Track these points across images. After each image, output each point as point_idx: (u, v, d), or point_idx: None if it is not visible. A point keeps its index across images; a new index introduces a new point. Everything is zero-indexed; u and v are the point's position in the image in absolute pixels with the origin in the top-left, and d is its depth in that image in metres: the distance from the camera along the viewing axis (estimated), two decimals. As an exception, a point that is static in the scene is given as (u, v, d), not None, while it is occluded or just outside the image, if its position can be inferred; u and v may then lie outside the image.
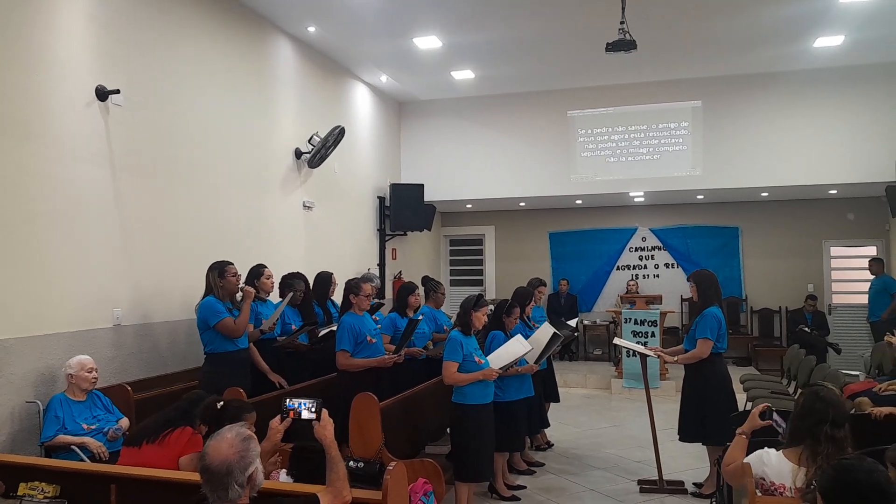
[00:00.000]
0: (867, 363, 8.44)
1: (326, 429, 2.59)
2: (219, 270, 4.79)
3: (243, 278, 5.47)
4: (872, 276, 9.89)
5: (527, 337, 5.33)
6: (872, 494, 1.96)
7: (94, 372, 4.27)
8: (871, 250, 10.81)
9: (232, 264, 4.89)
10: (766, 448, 2.80)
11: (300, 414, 2.58)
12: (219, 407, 3.14)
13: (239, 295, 4.93)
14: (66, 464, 3.39)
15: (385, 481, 2.79)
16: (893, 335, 6.88)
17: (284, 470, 3.05)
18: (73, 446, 3.98)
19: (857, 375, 7.52)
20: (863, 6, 7.19)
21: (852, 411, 5.35)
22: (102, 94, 5.00)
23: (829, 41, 8.28)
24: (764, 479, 2.73)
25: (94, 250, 4.94)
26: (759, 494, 2.69)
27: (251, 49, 7.04)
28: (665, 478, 5.32)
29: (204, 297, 4.78)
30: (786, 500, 2.65)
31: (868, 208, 10.74)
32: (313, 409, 2.58)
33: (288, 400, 2.61)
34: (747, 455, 2.87)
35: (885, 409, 4.38)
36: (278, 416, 2.58)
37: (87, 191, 4.90)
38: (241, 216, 6.70)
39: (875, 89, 9.18)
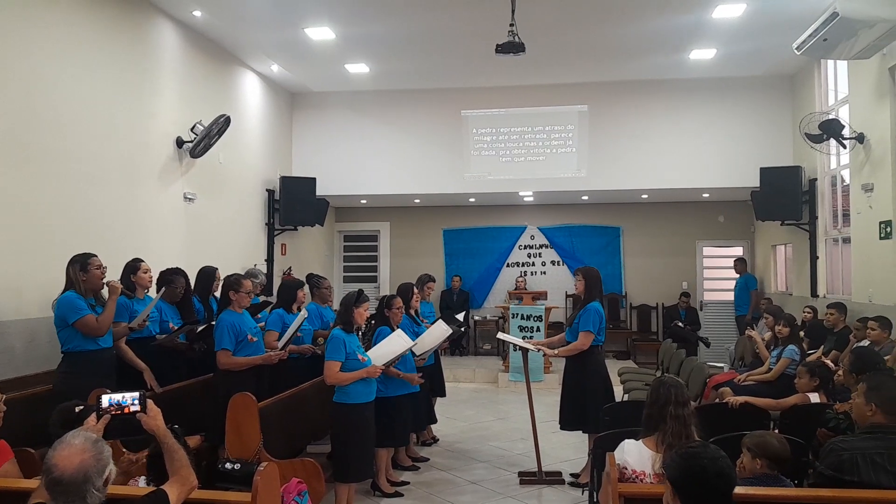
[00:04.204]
0: (731, 355, 9.08)
1: (156, 419, 2.45)
2: (80, 263, 4.44)
3: (116, 273, 5.15)
4: (737, 275, 10.67)
5: (415, 334, 5.35)
6: (717, 480, 2.10)
7: (-65, 375, 3.89)
8: (738, 251, 11.66)
9: (95, 256, 4.53)
10: (626, 439, 2.93)
11: (123, 409, 2.45)
12: (77, 411, 2.93)
13: (105, 290, 4.61)
14: None
15: (255, 482, 2.72)
16: (754, 329, 7.45)
17: (143, 477, 2.89)
18: None
19: (722, 367, 8.09)
20: (731, 23, 7.71)
21: (715, 400, 5.76)
22: (-49, 70, 4.58)
23: (703, 54, 8.84)
24: (626, 469, 2.86)
25: (-61, 241, 4.51)
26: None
27: (129, 30, 6.63)
28: (544, 469, 5.49)
29: (63, 292, 4.44)
30: (644, 485, 2.79)
31: (736, 212, 11.55)
32: (136, 401, 2.45)
33: (105, 397, 2.47)
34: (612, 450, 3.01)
35: (741, 399, 4.74)
36: (93, 415, 2.43)
37: (-69, 176, 4.46)
38: (114, 207, 6.31)
39: (743, 101, 9.89)
